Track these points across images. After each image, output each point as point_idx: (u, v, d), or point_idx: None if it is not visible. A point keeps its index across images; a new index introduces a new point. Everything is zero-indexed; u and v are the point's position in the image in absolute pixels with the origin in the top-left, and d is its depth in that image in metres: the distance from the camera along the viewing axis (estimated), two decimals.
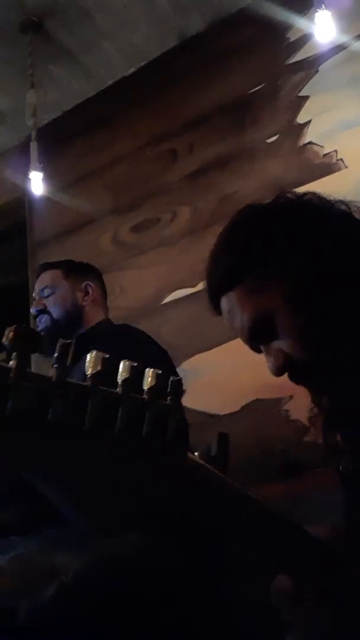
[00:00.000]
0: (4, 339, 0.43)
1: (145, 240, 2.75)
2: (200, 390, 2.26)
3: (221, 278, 0.91)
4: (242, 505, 0.62)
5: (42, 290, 1.96)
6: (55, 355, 0.45)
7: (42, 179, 2.66)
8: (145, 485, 0.52)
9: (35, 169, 2.64)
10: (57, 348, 0.46)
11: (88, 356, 0.47)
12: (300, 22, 2.50)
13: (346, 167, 2.34)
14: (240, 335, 0.91)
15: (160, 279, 2.66)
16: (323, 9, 2.19)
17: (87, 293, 1.95)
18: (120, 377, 0.49)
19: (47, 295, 1.94)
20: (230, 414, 2.31)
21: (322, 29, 2.24)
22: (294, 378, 0.88)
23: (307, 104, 2.48)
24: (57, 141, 3.02)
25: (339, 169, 2.34)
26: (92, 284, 1.98)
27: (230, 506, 0.61)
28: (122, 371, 0.49)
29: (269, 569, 0.68)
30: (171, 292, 2.61)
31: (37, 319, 1.94)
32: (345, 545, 0.70)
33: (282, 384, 0.89)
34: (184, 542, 0.60)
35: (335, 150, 2.37)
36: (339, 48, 2.41)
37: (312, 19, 2.27)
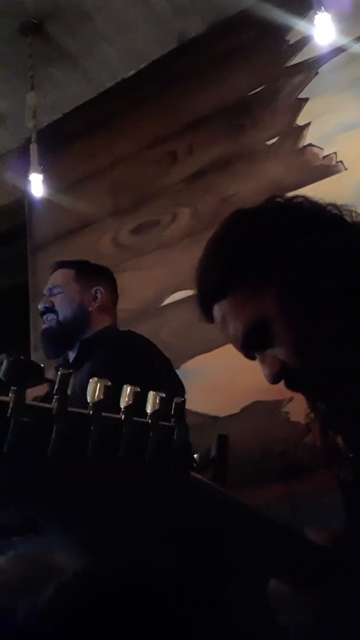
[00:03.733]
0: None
1: (145, 242, 2.75)
2: (200, 392, 2.25)
3: (213, 286, 0.87)
4: (243, 520, 0.62)
5: (52, 288, 1.96)
6: (56, 387, 0.44)
7: (42, 180, 2.66)
8: (148, 508, 0.52)
9: (35, 171, 2.64)
10: (58, 378, 0.45)
11: (90, 384, 0.47)
12: (299, 25, 2.51)
13: (346, 169, 2.34)
14: (234, 344, 0.88)
15: (160, 280, 2.66)
16: (323, 12, 2.20)
17: (95, 298, 1.94)
18: (122, 403, 0.48)
19: (56, 294, 1.94)
20: (230, 415, 2.31)
21: (322, 31, 2.25)
22: (290, 385, 0.85)
23: (307, 106, 2.48)
24: (57, 143, 3.03)
25: (338, 171, 2.35)
26: (102, 290, 1.96)
27: (232, 522, 0.61)
28: (124, 397, 0.48)
29: (267, 575, 0.68)
30: (171, 293, 2.61)
31: (44, 316, 1.94)
32: (345, 555, 0.69)
33: (282, 386, 0.89)
34: (182, 552, 0.61)
35: (335, 153, 2.37)
36: (338, 50, 2.42)
37: (311, 22, 2.28)
